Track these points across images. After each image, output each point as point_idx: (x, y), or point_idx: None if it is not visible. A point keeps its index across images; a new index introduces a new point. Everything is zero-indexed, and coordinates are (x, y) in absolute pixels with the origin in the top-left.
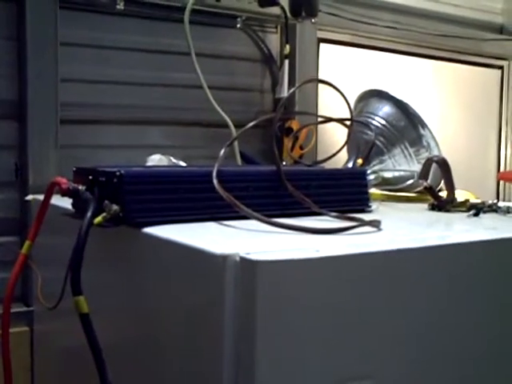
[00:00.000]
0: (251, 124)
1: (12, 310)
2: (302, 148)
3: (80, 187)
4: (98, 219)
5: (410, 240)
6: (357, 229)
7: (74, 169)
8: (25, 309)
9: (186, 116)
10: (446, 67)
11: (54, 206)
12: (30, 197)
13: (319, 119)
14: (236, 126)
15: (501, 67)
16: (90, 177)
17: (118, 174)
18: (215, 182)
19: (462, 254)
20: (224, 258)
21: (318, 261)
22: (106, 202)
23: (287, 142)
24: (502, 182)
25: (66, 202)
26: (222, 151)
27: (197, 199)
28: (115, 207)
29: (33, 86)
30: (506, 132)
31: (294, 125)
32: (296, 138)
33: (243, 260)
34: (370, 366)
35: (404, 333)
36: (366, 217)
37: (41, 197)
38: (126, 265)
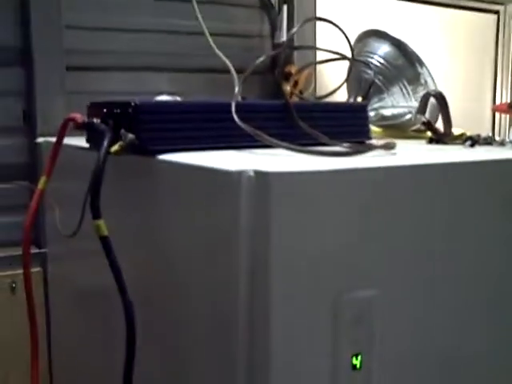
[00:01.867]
0: (259, 60)
1: None
2: (301, 93)
3: (95, 120)
4: (114, 148)
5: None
6: (373, 152)
7: (88, 104)
8: (37, 251)
9: (188, 62)
10: (442, 12)
11: (68, 145)
12: (40, 139)
13: (318, 59)
14: (236, 72)
15: (496, 12)
16: (105, 110)
17: (132, 104)
18: (234, 113)
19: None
20: (239, 174)
21: (331, 173)
22: (123, 131)
23: (286, 87)
24: (497, 124)
25: (79, 141)
26: (236, 88)
27: (212, 128)
28: (131, 136)
29: (36, 32)
30: (502, 76)
31: (293, 69)
32: (295, 84)
33: (257, 173)
34: (375, 278)
35: (412, 249)
36: None
37: (51, 139)
38: (142, 193)
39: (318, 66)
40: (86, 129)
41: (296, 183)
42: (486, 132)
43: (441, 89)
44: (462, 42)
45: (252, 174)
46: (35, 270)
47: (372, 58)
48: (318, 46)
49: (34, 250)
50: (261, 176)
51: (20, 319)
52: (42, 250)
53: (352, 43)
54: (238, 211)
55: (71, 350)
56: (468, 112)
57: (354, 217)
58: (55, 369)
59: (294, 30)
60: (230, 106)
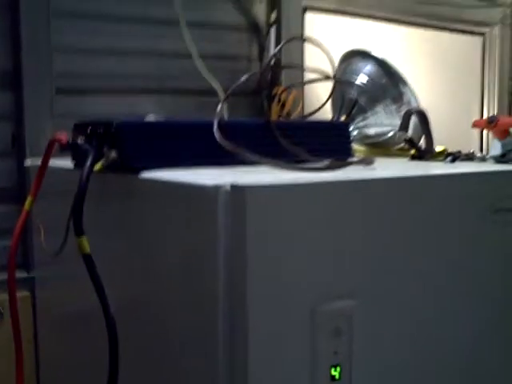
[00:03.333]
0: (243, 78)
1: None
2: (289, 114)
3: (79, 140)
4: (97, 166)
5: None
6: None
7: (73, 125)
8: (26, 275)
9: (176, 85)
10: (428, 34)
11: (54, 166)
12: (28, 162)
13: (304, 80)
14: (225, 94)
15: (482, 34)
16: (89, 129)
17: (115, 123)
18: (215, 131)
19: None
20: (216, 189)
21: (307, 186)
22: (105, 148)
23: (275, 108)
24: (485, 141)
25: (64, 162)
26: (219, 106)
27: (194, 146)
28: (113, 154)
29: (26, 55)
30: (488, 98)
31: (281, 91)
32: (283, 105)
33: (233, 187)
34: (352, 286)
35: (391, 260)
36: None
37: (39, 161)
38: (125, 210)
39: (307, 86)
40: (71, 149)
41: (272, 196)
42: (473, 149)
43: (429, 107)
44: (449, 62)
45: (228, 188)
46: (23, 294)
47: (356, 77)
48: (306, 63)
49: (22, 275)
50: (237, 190)
51: (7, 344)
52: (31, 275)
53: (337, 62)
54: (216, 225)
55: (60, 374)
56: (456, 130)
57: (330, 228)
58: None
59: (276, 49)
60: (211, 124)
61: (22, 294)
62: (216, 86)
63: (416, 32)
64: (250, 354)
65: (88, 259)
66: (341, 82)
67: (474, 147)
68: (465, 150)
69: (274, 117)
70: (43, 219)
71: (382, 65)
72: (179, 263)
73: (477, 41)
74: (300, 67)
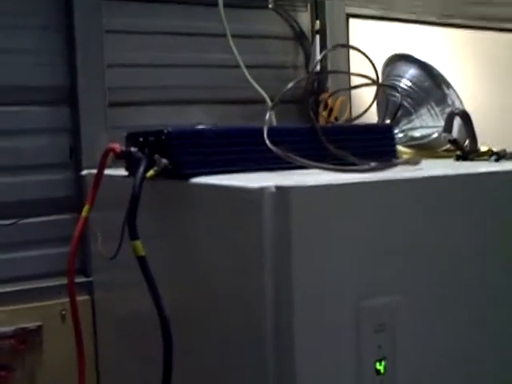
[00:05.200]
0: (289, 85)
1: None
2: (337, 119)
3: (132, 149)
4: (149, 173)
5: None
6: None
7: (126, 134)
8: (85, 279)
9: (225, 95)
10: (474, 35)
11: (109, 175)
12: (85, 171)
13: (350, 85)
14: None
15: None
16: (141, 139)
17: (165, 131)
18: (265, 137)
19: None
20: (261, 190)
21: (351, 186)
22: (156, 156)
23: (323, 115)
24: None
25: (119, 172)
26: (268, 114)
27: (243, 152)
28: (164, 161)
29: (81, 72)
30: None
31: (328, 97)
32: (331, 111)
33: (278, 188)
34: (398, 284)
35: (433, 256)
36: None
37: (95, 171)
38: (176, 215)
39: (354, 91)
40: (125, 158)
41: (316, 197)
42: None
43: (477, 108)
44: (496, 62)
45: (273, 189)
46: (83, 298)
47: (400, 81)
48: (352, 70)
49: (81, 279)
50: (282, 191)
51: (70, 346)
52: (89, 279)
53: (381, 67)
54: (262, 226)
55: (120, 377)
56: (505, 130)
57: (375, 227)
58: None
59: (319, 57)
60: (259, 130)
61: (81, 297)
62: (264, 94)
63: (461, 33)
64: (297, 350)
65: (142, 261)
66: (384, 85)
67: None
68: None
69: (321, 122)
70: (100, 226)
71: (425, 68)
72: (227, 265)
73: None
74: (345, 73)
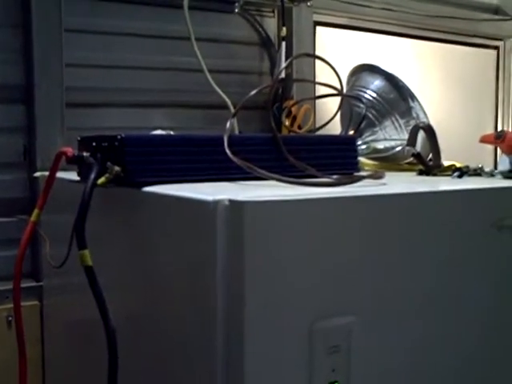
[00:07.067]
0: (253, 92)
1: (23, 285)
2: (300, 128)
3: (84, 154)
4: (101, 180)
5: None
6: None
7: (79, 138)
8: (35, 284)
9: (187, 98)
10: (441, 48)
11: (61, 179)
12: (38, 173)
13: (314, 93)
14: (235, 108)
15: (496, 47)
16: (94, 143)
17: (119, 137)
18: (226, 146)
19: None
20: (215, 204)
21: (306, 202)
22: (109, 163)
23: (286, 122)
24: (499, 156)
25: (71, 175)
26: (229, 122)
27: (200, 161)
28: (117, 168)
29: (38, 70)
30: (503, 111)
31: (291, 105)
32: (294, 119)
33: (232, 202)
34: (351, 303)
35: (388, 276)
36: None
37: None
38: (127, 223)
39: (319, 100)
40: (76, 162)
41: (270, 212)
42: (482, 164)
43: (442, 122)
44: (462, 76)
45: (227, 203)
46: (32, 303)
47: (365, 92)
48: (317, 79)
49: (31, 284)
50: (235, 205)
51: (16, 352)
52: (39, 283)
53: (346, 77)
54: (215, 239)
55: (66, 382)
56: (469, 145)
57: (330, 245)
58: None
59: (285, 64)
60: (219, 139)
61: (30, 302)
62: (226, 99)
63: (429, 46)
64: (247, 370)
65: (89, 271)
66: (349, 96)
67: (487, 162)
68: (479, 163)
69: (284, 130)
70: (50, 230)
71: (391, 79)
72: (179, 276)
73: (490, 54)
74: (310, 81)
